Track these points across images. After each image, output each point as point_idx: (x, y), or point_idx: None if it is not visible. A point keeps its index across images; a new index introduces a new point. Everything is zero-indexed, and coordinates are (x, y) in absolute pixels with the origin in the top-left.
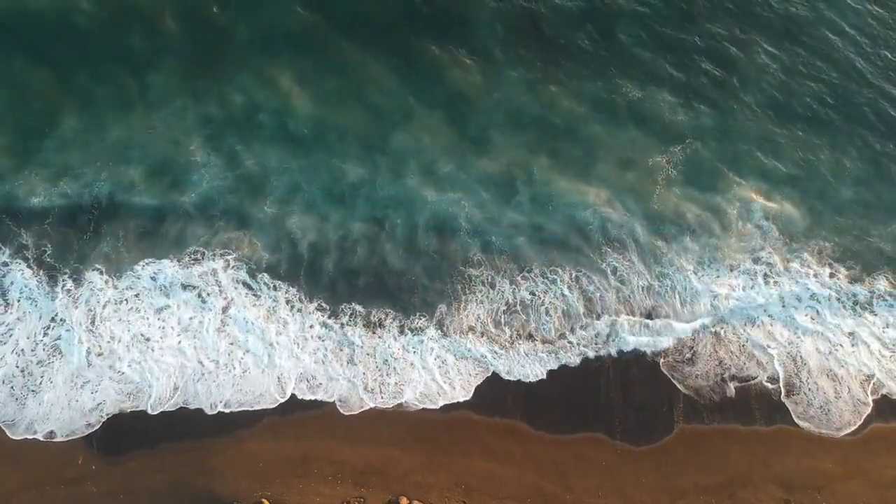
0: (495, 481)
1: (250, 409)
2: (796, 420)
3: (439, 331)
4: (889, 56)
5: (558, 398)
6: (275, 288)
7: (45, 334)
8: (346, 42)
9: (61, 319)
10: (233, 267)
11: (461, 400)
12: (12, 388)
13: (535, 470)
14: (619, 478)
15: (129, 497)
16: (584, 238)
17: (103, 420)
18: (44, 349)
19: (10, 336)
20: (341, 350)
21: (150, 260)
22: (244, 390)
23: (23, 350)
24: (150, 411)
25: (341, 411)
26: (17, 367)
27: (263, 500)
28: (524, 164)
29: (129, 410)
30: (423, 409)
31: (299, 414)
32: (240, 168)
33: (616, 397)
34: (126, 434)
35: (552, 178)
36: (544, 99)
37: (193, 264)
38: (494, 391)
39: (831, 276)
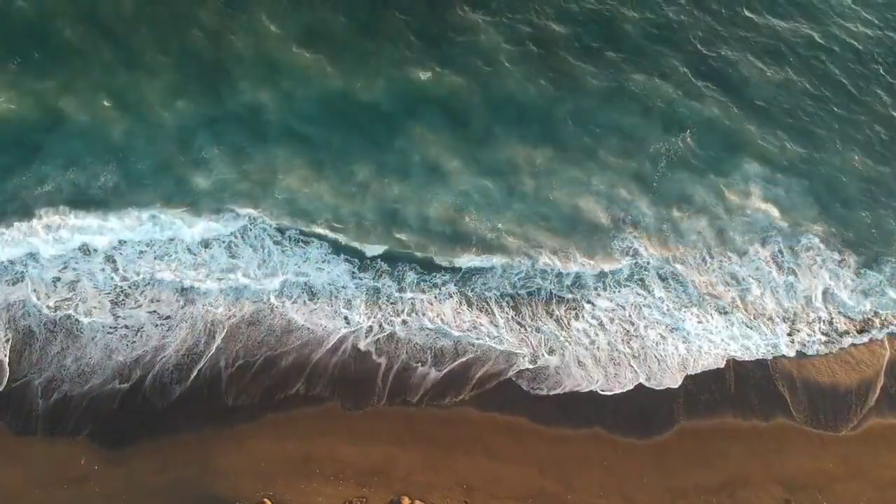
0: (497, 480)
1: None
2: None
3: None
4: None
5: (557, 395)
6: (305, 243)
7: (58, 280)
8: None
9: (73, 268)
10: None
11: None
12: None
13: (537, 469)
14: (621, 477)
15: (131, 497)
16: (590, 224)
17: (137, 377)
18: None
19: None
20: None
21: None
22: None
23: (36, 292)
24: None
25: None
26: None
27: (266, 499)
28: (528, 155)
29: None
30: (425, 406)
31: (301, 411)
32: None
33: (616, 393)
34: (127, 433)
35: (555, 168)
36: (546, 93)
37: (217, 219)
38: (495, 387)
39: (841, 263)
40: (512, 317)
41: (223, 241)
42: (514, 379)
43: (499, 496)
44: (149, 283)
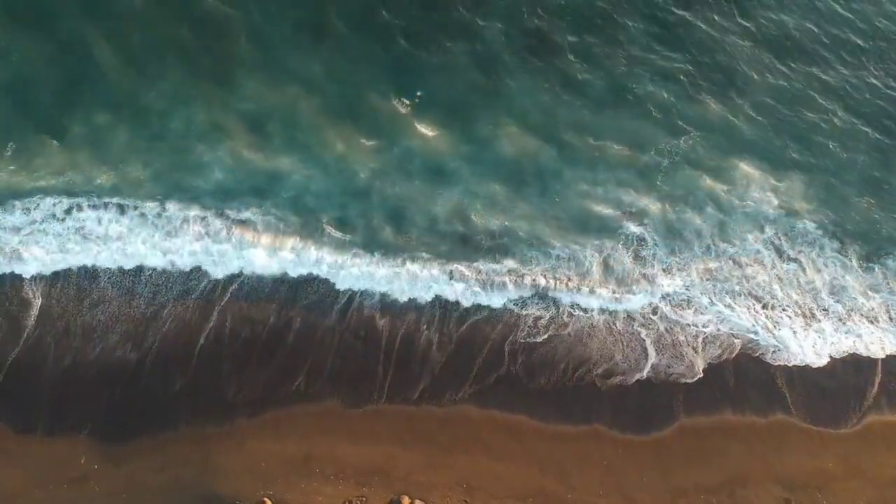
0: (497, 480)
1: None
2: None
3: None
4: None
5: (557, 391)
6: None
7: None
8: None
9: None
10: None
11: None
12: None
13: (537, 468)
14: (621, 476)
15: (131, 496)
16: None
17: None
18: None
19: None
20: None
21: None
22: None
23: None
24: None
25: None
26: None
27: (266, 499)
28: (533, 156)
29: None
30: (424, 404)
31: (301, 408)
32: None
33: (616, 389)
34: (127, 432)
35: (561, 168)
36: (551, 95)
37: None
38: (495, 384)
39: (844, 255)
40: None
41: None
42: (513, 370)
43: (499, 495)
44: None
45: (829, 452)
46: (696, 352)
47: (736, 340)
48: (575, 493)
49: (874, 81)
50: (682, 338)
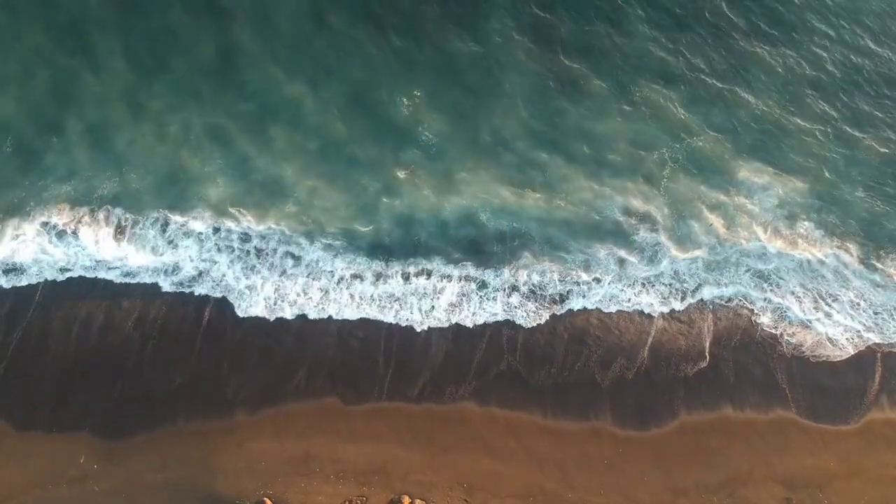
0: (497, 479)
1: None
2: None
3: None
4: None
5: (557, 388)
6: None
7: None
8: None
9: None
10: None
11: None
12: None
13: (537, 467)
14: (621, 476)
15: (131, 496)
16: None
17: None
18: None
19: None
20: None
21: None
22: None
23: None
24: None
25: None
26: None
27: (266, 498)
28: (538, 163)
29: None
30: (424, 402)
31: (301, 406)
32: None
33: (616, 385)
34: (127, 431)
35: (567, 174)
36: (555, 98)
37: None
38: (495, 380)
39: (846, 254)
40: None
41: None
42: (514, 365)
43: (499, 495)
44: None
45: (830, 451)
46: (703, 320)
47: (744, 311)
48: (575, 492)
49: (872, 91)
50: (690, 302)
